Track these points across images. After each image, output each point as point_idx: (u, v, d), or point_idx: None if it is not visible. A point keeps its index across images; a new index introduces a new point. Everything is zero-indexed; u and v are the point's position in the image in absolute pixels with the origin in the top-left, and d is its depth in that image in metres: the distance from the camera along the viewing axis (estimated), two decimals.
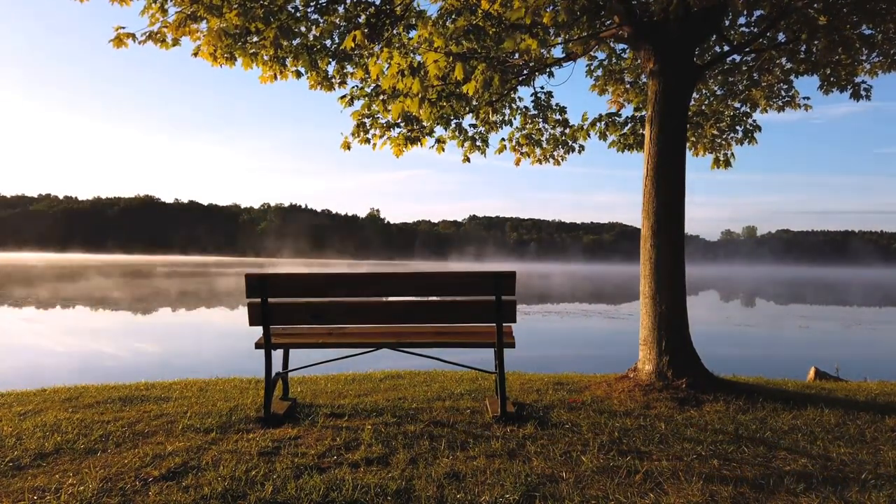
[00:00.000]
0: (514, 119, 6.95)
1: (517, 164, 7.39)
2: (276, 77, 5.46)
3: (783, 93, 6.54)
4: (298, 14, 5.29)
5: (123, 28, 4.70)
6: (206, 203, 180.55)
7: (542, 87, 6.64)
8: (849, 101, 5.77)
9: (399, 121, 6.19)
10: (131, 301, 22.52)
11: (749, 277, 74.05)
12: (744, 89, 6.58)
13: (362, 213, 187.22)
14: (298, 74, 5.61)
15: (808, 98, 6.55)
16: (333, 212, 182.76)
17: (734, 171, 6.95)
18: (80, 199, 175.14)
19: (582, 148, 7.19)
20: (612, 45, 6.33)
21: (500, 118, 6.84)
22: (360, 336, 4.04)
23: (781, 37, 5.71)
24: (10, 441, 3.29)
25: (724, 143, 6.95)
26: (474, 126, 6.78)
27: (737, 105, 6.78)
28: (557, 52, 6.23)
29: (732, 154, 6.98)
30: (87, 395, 4.53)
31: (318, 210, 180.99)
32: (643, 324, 4.81)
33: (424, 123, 6.26)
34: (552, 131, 7.12)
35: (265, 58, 5.26)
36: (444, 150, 6.53)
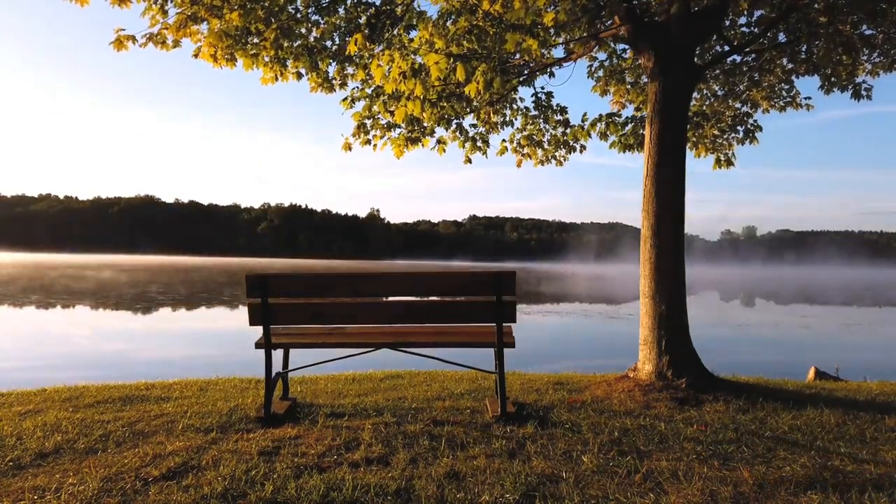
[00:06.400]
0: (515, 120, 6.95)
1: (519, 165, 7.39)
2: (277, 78, 5.46)
3: (784, 93, 6.54)
4: (299, 15, 5.30)
5: (123, 30, 4.70)
6: (206, 203, 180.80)
7: (542, 88, 6.64)
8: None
9: (401, 122, 6.19)
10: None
11: (749, 278, 74.00)
12: (744, 90, 6.58)
13: (362, 214, 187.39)
14: (299, 76, 5.61)
15: (809, 98, 6.56)
16: (333, 212, 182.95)
17: (735, 170, 6.96)
18: (80, 198, 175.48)
19: (583, 148, 7.19)
20: (612, 45, 6.34)
21: (501, 119, 6.85)
22: (360, 336, 4.04)
23: (782, 37, 5.71)
24: (11, 441, 3.29)
25: (725, 143, 6.96)
26: (475, 127, 6.79)
27: (738, 105, 6.79)
28: (558, 53, 6.24)
29: (734, 154, 6.99)
30: (88, 394, 4.54)
31: (319, 210, 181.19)
32: (643, 324, 4.81)
33: (425, 124, 6.26)
34: (553, 132, 7.12)
35: (266, 59, 5.27)
36: (445, 151, 6.54)
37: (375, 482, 2.68)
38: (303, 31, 5.39)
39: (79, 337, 13.28)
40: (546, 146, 7.20)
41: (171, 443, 3.25)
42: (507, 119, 6.88)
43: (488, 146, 6.81)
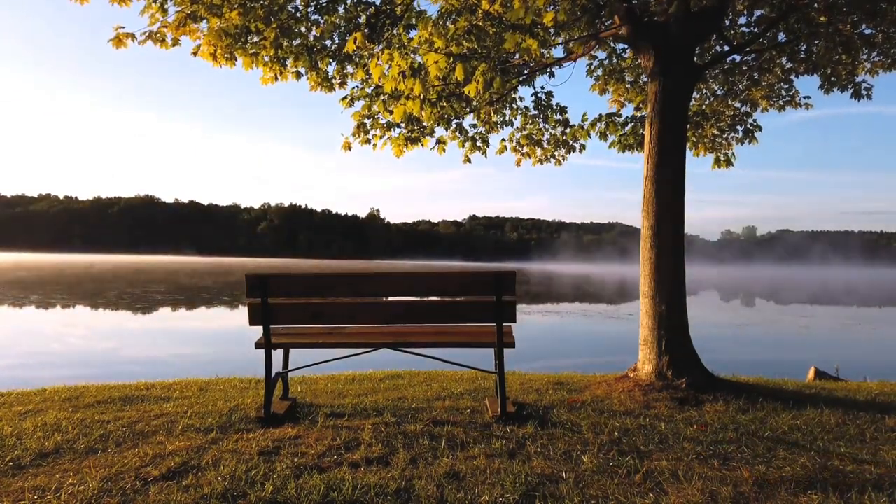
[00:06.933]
0: (515, 119, 6.95)
1: (518, 164, 7.40)
2: (276, 78, 5.46)
3: (783, 92, 6.55)
4: (299, 14, 5.29)
5: (123, 28, 4.70)
6: (206, 203, 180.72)
7: (542, 87, 6.65)
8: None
9: (400, 121, 6.19)
10: None
11: (749, 278, 73.99)
12: (744, 89, 6.58)
13: (362, 213, 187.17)
14: (299, 75, 5.60)
15: (808, 98, 6.56)
16: (333, 212, 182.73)
17: (735, 170, 6.97)
18: (80, 198, 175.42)
19: (583, 147, 7.20)
20: (612, 44, 6.34)
21: (501, 118, 6.85)
22: (360, 336, 4.04)
23: (781, 37, 5.71)
24: (11, 441, 3.29)
25: (724, 142, 6.96)
26: (475, 126, 6.79)
27: (737, 105, 6.79)
28: (558, 53, 6.24)
29: (733, 154, 6.99)
30: (88, 394, 4.54)
31: (319, 210, 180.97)
32: (643, 324, 4.81)
33: (425, 124, 6.26)
34: (553, 131, 7.12)
35: (266, 58, 5.26)
36: (444, 150, 6.54)
37: (375, 482, 2.67)
38: (302, 30, 5.38)
39: None
40: (545, 145, 7.20)
41: (171, 443, 3.25)
42: (507, 119, 6.89)
43: (488, 146, 6.82)
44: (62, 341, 12.47)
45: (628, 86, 6.82)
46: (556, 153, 7.26)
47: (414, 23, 5.56)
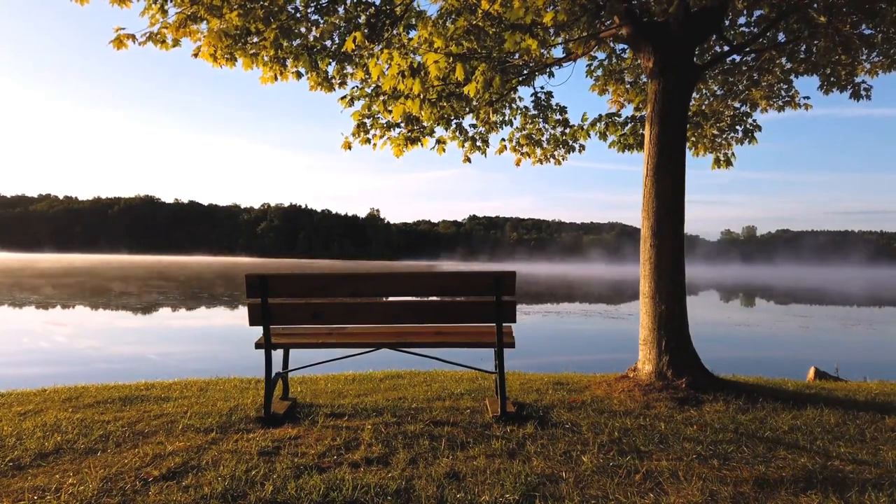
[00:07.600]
0: (515, 119, 6.96)
1: (518, 164, 7.40)
2: (276, 78, 5.46)
3: (783, 93, 6.55)
4: (299, 15, 5.30)
5: (123, 29, 4.70)
6: (206, 203, 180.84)
7: (542, 87, 6.66)
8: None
9: (400, 121, 6.19)
10: None
11: (749, 278, 74.00)
12: (744, 89, 6.59)
13: (362, 214, 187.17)
14: (299, 75, 5.61)
15: (808, 98, 6.56)
16: (333, 212, 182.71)
17: (735, 170, 6.97)
18: (80, 199, 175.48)
19: (583, 148, 7.21)
20: (612, 45, 6.34)
21: (501, 118, 6.85)
22: (360, 336, 4.04)
23: (781, 37, 5.71)
24: (11, 441, 3.29)
25: (724, 142, 6.96)
26: (474, 126, 6.79)
27: (737, 105, 6.79)
28: (557, 52, 6.24)
29: (733, 154, 7.00)
30: (88, 394, 4.54)
31: (319, 210, 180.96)
32: (643, 324, 4.81)
33: (425, 124, 6.26)
34: (552, 131, 7.13)
35: (265, 58, 5.27)
36: (444, 150, 6.54)
37: (375, 482, 2.67)
38: (302, 30, 5.39)
39: None
40: (545, 145, 7.21)
41: (171, 443, 3.25)
42: (507, 118, 6.89)
43: (487, 146, 6.83)
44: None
45: (628, 86, 6.82)
46: (555, 153, 7.26)
47: (414, 23, 5.56)
